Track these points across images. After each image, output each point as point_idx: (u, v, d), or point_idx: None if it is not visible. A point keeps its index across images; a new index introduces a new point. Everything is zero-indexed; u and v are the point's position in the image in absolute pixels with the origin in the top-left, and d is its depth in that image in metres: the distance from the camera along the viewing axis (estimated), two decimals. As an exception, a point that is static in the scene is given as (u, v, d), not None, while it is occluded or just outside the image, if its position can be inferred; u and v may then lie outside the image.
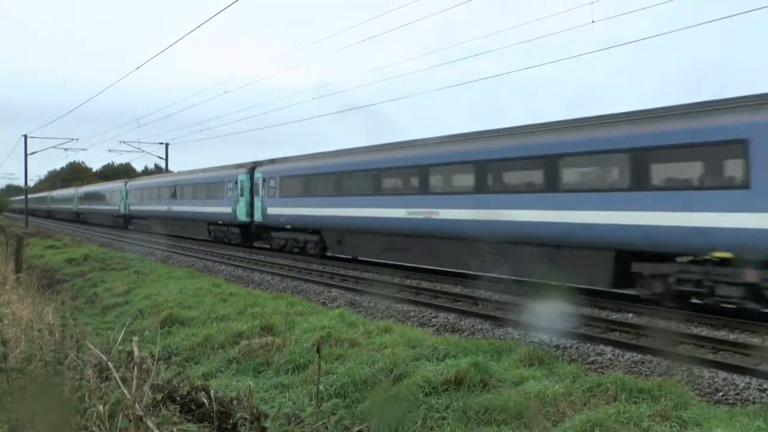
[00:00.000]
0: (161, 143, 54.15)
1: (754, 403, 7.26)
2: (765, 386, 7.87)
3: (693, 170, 11.77)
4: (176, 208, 36.74)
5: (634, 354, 9.38)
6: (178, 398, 4.92)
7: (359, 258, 22.47)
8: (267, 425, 4.71)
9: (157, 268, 19.07)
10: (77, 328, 6.32)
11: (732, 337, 10.36)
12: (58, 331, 5.83)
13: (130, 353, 4.79)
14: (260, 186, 26.84)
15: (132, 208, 45.15)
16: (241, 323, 9.86)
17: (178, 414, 4.48)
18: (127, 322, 10.25)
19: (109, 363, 4.67)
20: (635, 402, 6.12)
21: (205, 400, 4.90)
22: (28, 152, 51.94)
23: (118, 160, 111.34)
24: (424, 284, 16.65)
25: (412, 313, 12.89)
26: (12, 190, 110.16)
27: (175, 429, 4.19)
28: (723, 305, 11.52)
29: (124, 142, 52.66)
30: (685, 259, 11.56)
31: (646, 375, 8.37)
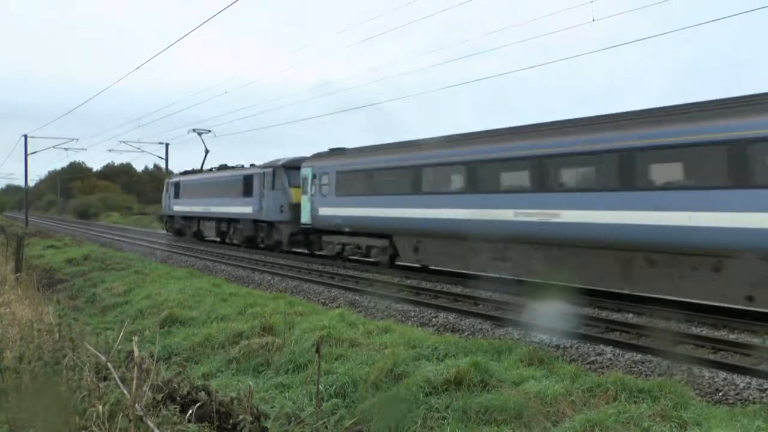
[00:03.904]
0: (161, 143, 54.07)
1: (754, 403, 7.25)
2: (765, 386, 7.86)
3: None
4: None
5: (634, 354, 9.37)
6: (178, 398, 4.92)
7: None
8: (267, 425, 4.71)
9: (157, 268, 19.08)
10: (77, 327, 6.32)
11: (732, 337, 10.35)
12: (56, 331, 5.83)
13: (130, 353, 4.79)
14: None
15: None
16: (241, 323, 9.86)
17: (178, 414, 4.47)
18: (127, 322, 10.25)
19: (109, 363, 4.66)
20: (635, 402, 6.12)
21: (205, 401, 4.89)
22: (28, 152, 51.91)
23: (118, 160, 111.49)
24: (424, 284, 16.65)
25: (412, 313, 12.88)
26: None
27: (175, 429, 4.18)
28: None
29: (124, 142, 52.54)
30: None
31: (646, 375, 8.37)
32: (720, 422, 5.64)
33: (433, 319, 12.36)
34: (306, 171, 23.16)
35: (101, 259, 21.81)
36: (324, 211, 21.86)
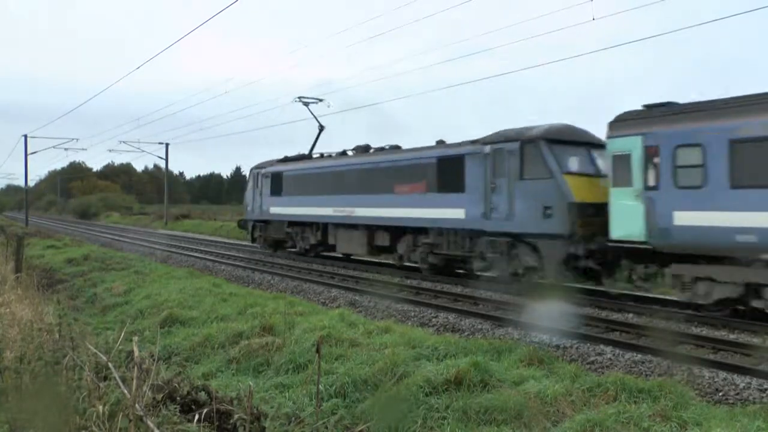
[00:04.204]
0: (161, 143, 54.14)
1: (754, 403, 7.26)
2: (765, 386, 7.87)
3: None
4: None
5: (634, 354, 9.37)
6: (178, 398, 4.91)
7: None
8: (267, 425, 4.71)
9: (157, 268, 19.08)
10: (77, 327, 6.32)
11: (732, 337, 10.36)
12: (56, 331, 5.83)
13: (130, 353, 4.79)
14: None
15: None
16: (241, 323, 9.86)
17: (178, 414, 4.47)
18: (127, 322, 10.26)
19: (109, 363, 4.67)
20: (635, 402, 6.13)
21: (205, 400, 4.89)
22: (28, 152, 51.92)
23: (118, 159, 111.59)
24: (425, 284, 16.64)
25: (412, 313, 12.88)
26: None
27: (175, 429, 4.19)
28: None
29: (124, 142, 52.26)
30: None
31: (646, 375, 8.37)
32: (720, 422, 5.64)
33: (433, 319, 12.36)
34: (629, 143, 12.64)
35: (101, 259, 21.81)
36: (704, 217, 11.40)
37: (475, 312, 12.75)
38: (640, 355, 9.28)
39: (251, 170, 27.57)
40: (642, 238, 12.30)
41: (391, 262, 20.02)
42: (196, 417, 4.43)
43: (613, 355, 9.43)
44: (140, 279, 16.36)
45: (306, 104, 27.41)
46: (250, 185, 27.32)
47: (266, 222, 25.88)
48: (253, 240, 27.56)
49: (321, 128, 27.19)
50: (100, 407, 4.03)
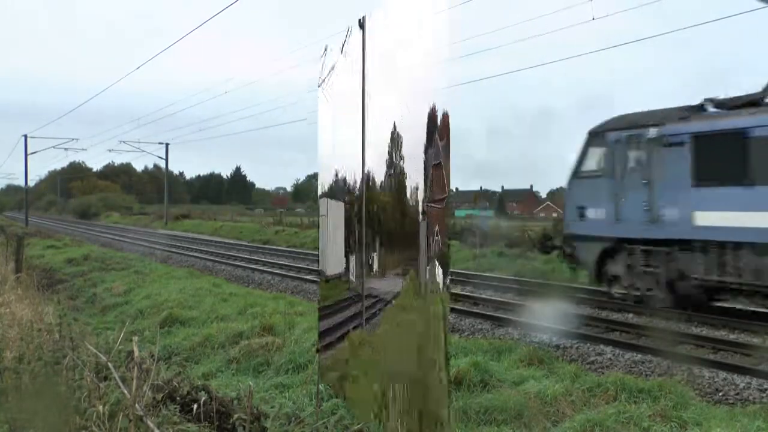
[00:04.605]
0: (161, 143, 54.13)
1: (754, 403, 7.26)
2: (765, 386, 7.87)
3: None
4: None
5: (634, 354, 9.37)
6: (178, 398, 4.92)
7: None
8: (267, 425, 4.71)
9: (157, 268, 19.07)
10: (77, 327, 6.32)
11: (732, 337, 10.36)
12: (56, 331, 5.83)
13: (130, 353, 4.79)
14: None
15: None
16: (241, 323, 9.86)
17: (178, 414, 4.48)
18: (127, 322, 10.25)
19: (109, 363, 4.67)
20: (635, 402, 6.13)
21: (205, 400, 4.89)
22: (28, 152, 51.89)
23: (118, 159, 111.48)
24: (424, 284, 16.62)
25: (412, 313, 12.86)
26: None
27: (175, 429, 4.19)
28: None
29: (124, 142, 52.20)
30: None
31: (646, 375, 8.37)
32: (720, 422, 5.64)
33: (433, 319, 12.34)
34: None
35: (101, 259, 21.80)
36: None
37: (475, 312, 12.75)
38: (640, 355, 9.28)
39: (597, 133, 13.22)
40: None
41: None
42: (195, 407, 4.42)
43: (613, 355, 9.43)
44: (140, 279, 16.35)
45: None
46: (591, 165, 13.43)
47: (671, 246, 11.87)
48: (600, 280, 13.48)
49: None
50: (100, 407, 4.02)
